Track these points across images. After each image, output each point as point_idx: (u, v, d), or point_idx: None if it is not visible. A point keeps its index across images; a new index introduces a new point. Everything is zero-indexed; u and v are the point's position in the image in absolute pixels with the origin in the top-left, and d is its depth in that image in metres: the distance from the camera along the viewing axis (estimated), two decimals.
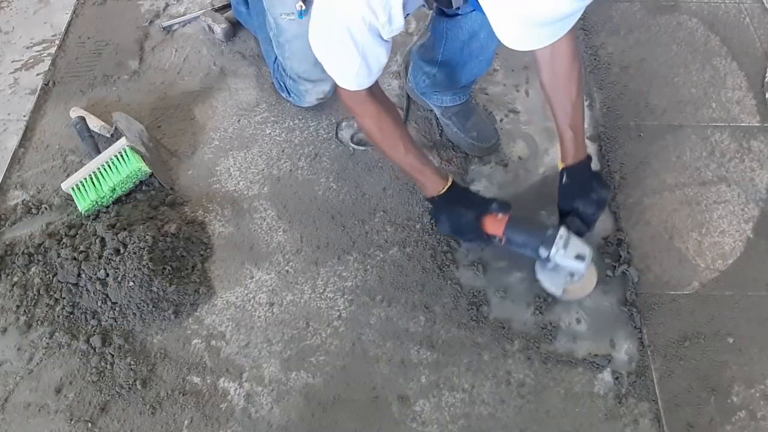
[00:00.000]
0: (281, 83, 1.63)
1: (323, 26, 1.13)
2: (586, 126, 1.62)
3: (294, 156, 1.59)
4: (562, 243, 1.23)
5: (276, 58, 1.58)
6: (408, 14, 1.11)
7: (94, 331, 1.31)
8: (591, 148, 1.59)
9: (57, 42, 1.82)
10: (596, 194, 1.29)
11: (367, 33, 1.08)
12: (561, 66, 1.24)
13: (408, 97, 1.66)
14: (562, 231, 1.25)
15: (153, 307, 1.33)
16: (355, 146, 1.58)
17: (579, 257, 1.23)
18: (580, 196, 1.29)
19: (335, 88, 1.26)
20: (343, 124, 1.62)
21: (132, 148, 1.47)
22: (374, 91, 1.24)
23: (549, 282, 1.32)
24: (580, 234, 1.27)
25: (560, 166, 1.33)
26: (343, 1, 1.06)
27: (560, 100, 1.27)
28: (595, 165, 1.56)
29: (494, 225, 1.28)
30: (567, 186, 1.31)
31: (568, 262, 1.24)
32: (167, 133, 1.63)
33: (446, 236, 1.41)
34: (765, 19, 1.87)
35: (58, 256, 1.38)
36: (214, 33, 1.81)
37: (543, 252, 1.25)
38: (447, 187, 1.30)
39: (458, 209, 1.29)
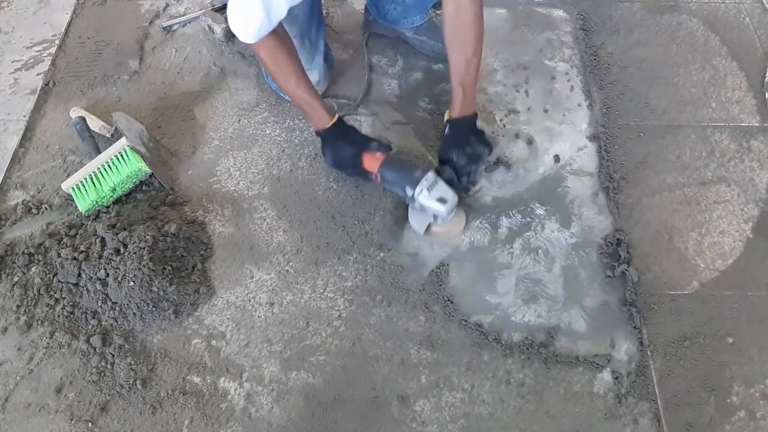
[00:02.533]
0: (272, 82, 1.65)
1: None
2: (585, 126, 1.64)
3: (294, 156, 1.59)
4: (426, 185, 1.33)
5: None
6: None
7: (95, 331, 1.32)
8: (591, 148, 1.60)
9: (57, 42, 1.82)
10: (471, 148, 1.39)
11: None
12: (463, 24, 1.31)
13: (366, 55, 1.74)
14: (430, 174, 1.35)
15: (153, 307, 1.33)
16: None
17: (441, 200, 1.33)
18: (456, 147, 1.39)
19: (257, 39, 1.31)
20: None
21: (132, 148, 1.47)
22: (277, 31, 1.30)
23: (414, 221, 1.42)
24: (450, 182, 1.37)
25: (446, 117, 1.43)
26: None
27: (457, 57, 1.35)
28: (594, 164, 1.57)
29: (371, 162, 1.39)
30: (447, 137, 1.42)
31: (430, 203, 1.34)
32: (167, 133, 1.64)
33: (330, 167, 1.49)
34: (765, 19, 1.88)
35: (59, 256, 1.38)
36: (214, 33, 1.81)
37: (408, 191, 1.35)
38: (333, 122, 1.39)
39: (340, 144, 1.40)
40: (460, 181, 1.41)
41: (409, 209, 1.43)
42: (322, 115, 1.39)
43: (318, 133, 1.44)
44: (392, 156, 1.41)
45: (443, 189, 1.35)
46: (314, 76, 1.59)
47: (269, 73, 1.42)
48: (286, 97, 1.66)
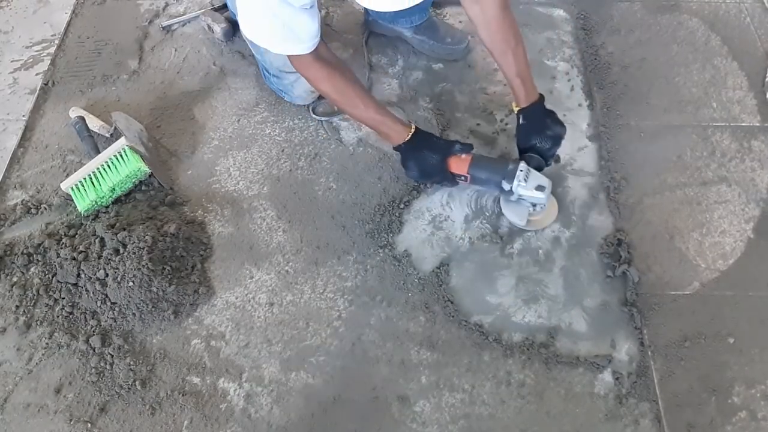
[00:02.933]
0: (271, 83, 1.65)
1: (249, 6, 1.25)
2: (585, 125, 1.63)
3: (294, 156, 1.58)
4: (522, 176, 1.35)
5: (260, 61, 1.61)
6: None
7: (94, 332, 1.31)
8: (591, 148, 1.59)
9: (56, 42, 1.82)
10: (551, 131, 1.39)
11: (283, 5, 1.20)
12: (493, 20, 1.33)
13: (366, 53, 1.74)
14: (522, 165, 1.36)
15: (152, 307, 1.33)
16: (319, 117, 1.63)
17: (539, 188, 1.35)
18: (536, 133, 1.39)
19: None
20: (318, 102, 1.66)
21: (131, 148, 1.47)
22: (321, 55, 1.34)
23: (513, 214, 1.42)
24: (539, 168, 1.39)
25: (515, 109, 1.42)
26: None
27: (501, 53, 1.36)
28: (595, 164, 1.56)
29: (459, 165, 1.39)
30: (524, 126, 1.41)
31: (529, 193, 1.35)
32: (167, 133, 1.63)
33: (415, 182, 1.49)
34: (766, 18, 1.87)
35: (58, 256, 1.37)
36: (213, 33, 1.80)
37: (506, 185, 1.36)
38: (411, 133, 1.37)
39: (424, 153, 1.37)
40: (547, 164, 1.42)
41: (503, 203, 1.44)
42: (398, 129, 1.36)
43: (397, 148, 1.40)
44: (478, 156, 1.41)
45: (538, 176, 1.37)
46: None
47: (333, 102, 1.43)
48: (285, 98, 1.66)
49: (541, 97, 1.41)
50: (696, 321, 1.34)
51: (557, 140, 1.41)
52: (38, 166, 1.57)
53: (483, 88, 1.70)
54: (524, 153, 1.42)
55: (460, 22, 1.83)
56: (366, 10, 1.76)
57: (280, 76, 1.57)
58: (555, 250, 1.43)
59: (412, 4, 1.08)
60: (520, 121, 1.41)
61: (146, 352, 1.30)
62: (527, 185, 1.35)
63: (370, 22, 1.77)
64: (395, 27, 1.74)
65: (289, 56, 1.33)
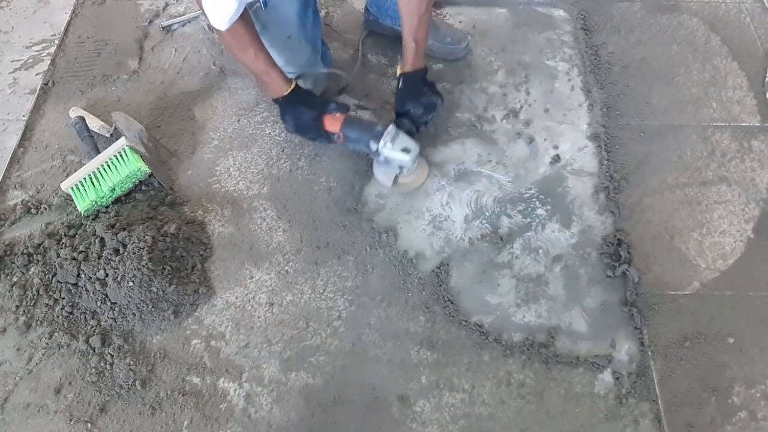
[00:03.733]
0: None
1: None
2: (585, 125, 1.63)
3: (294, 156, 1.58)
4: (389, 138, 1.39)
5: None
6: None
7: (94, 332, 1.31)
8: (591, 148, 1.59)
9: (56, 42, 1.82)
10: (426, 99, 1.45)
11: None
12: None
13: (361, 48, 1.76)
14: (391, 128, 1.40)
15: (152, 307, 1.33)
16: None
17: (405, 150, 1.39)
18: (411, 99, 1.45)
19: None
20: None
21: (131, 148, 1.47)
22: (244, 17, 1.33)
23: (381, 174, 1.48)
24: (410, 133, 1.43)
25: (399, 72, 1.47)
26: None
27: (409, 14, 1.39)
28: (595, 164, 1.56)
29: (332, 123, 1.42)
30: (401, 90, 1.46)
31: (395, 154, 1.39)
32: (167, 133, 1.63)
33: (291, 134, 1.53)
34: (766, 18, 1.87)
35: (58, 256, 1.37)
36: (213, 32, 1.80)
37: (372, 145, 1.40)
38: (291, 89, 1.41)
39: (300, 108, 1.42)
40: (418, 131, 1.47)
41: (374, 164, 1.50)
42: (280, 83, 1.41)
43: (276, 101, 1.46)
44: (351, 115, 1.45)
45: (405, 140, 1.40)
46: (308, 84, 1.57)
47: (226, 46, 1.46)
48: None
49: (425, 68, 1.47)
50: (696, 321, 1.34)
51: (430, 108, 1.46)
52: (38, 166, 1.57)
53: (484, 88, 1.70)
54: (399, 117, 1.47)
55: (460, 22, 1.84)
56: (366, 9, 1.76)
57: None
58: (555, 250, 1.43)
59: None
60: (400, 85, 1.46)
61: (146, 352, 1.30)
62: (393, 147, 1.39)
63: (370, 21, 1.77)
64: (395, 26, 1.72)
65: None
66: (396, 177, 1.46)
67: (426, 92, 1.46)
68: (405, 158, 1.40)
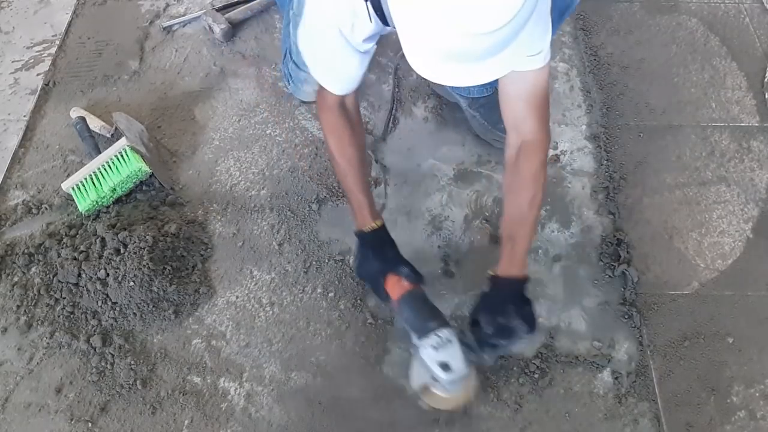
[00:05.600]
0: (287, 68, 1.62)
1: (310, 20, 1.16)
2: (584, 126, 1.64)
3: (294, 156, 1.59)
4: (434, 341, 1.10)
5: (291, 43, 1.55)
6: (377, 35, 1.10)
7: (95, 331, 1.31)
8: (591, 148, 1.59)
9: (57, 42, 1.82)
10: (505, 319, 1.11)
11: (338, 37, 1.09)
12: (522, 174, 1.16)
13: (392, 106, 1.64)
14: (445, 332, 1.11)
15: (153, 307, 1.33)
16: None
17: (444, 366, 1.09)
18: (488, 311, 1.13)
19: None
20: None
21: (132, 148, 1.47)
22: (347, 105, 1.25)
23: (412, 372, 1.20)
24: (469, 349, 1.13)
25: (490, 272, 1.17)
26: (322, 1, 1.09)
27: (510, 207, 1.19)
28: (594, 165, 1.56)
29: (394, 287, 1.19)
30: (483, 295, 1.17)
31: (430, 364, 1.11)
32: (167, 133, 1.64)
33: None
34: (765, 19, 1.88)
35: (59, 256, 1.38)
36: (213, 33, 1.81)
37: (413, 338, 1.15)
38: (372, 228, 1.23)
39: (370, 254, 1.23)
40: (482, 352, 1.15)
41: (413, 356, 1.21)
42: (365, 215, 1.24)
43: (356, 233, 1.28)
44: (418, 291, 1.19)
45: (454, 354, 1.10)
46: None
47: (329, 154, 1.30)
48: (287, 86, 1.63)
49: (523, 278, 1.15)
50: (695, 321, 1.34)
51: (506, 333, 1.11)
52: (39, 166, 1.57)
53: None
54: (471, 324, 1.17)
55: None
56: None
57: (301, 67, 1.53)
58: (554, 250, 1.43)
59: (471, 84, 0.90)
60: (486, 288, 1.17)
61: (147, 351, 1.30)
62: (434, 354, 1.10)
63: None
64: (453, 93, 1.59)
65: (320, 87, 1.23)
66: (426, 386, 1.17)
67: (510, 312, 1.11)
68: (440, 375, 1.10)
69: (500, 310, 1.12)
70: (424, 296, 1.20)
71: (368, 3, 0.99)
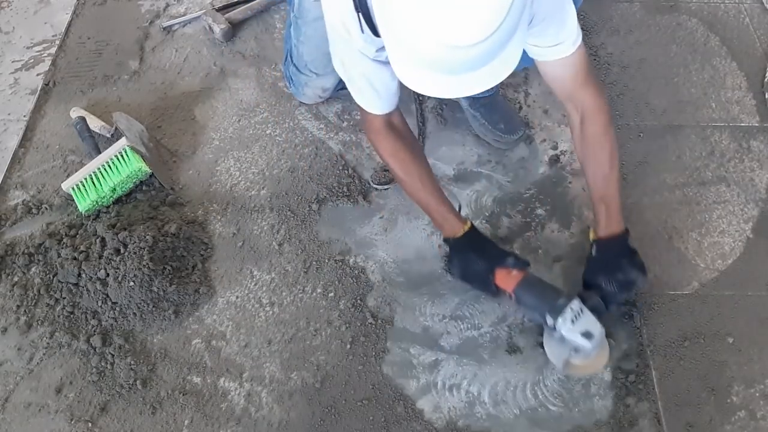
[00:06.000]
0: (288, 71, 1.62)
1: (335, 48, 1.16)
2: None
3: (294, 156, 1.59)
4: (571, 315, 1.17)
5: (291, 45, 1.56)
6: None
7: (95, 331, 1.31)
8: None
9: (57, 42, 1.82)
10: (623, 274, 1.21)
11: (361, 56, 1.10)
12: (591, 137, 1.21)
13: (420, 112, 1.63)
14: (575, 303, 1.18)
15: (153, 307, 1.33)
16: (377, 186, 1.52)
17: (586, 335, 1.16)
18: (605, 272, 1.22)
19: (353, 106, 1.28)
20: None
21: (132, 148, 1.47)
22: (394, 123, 1.25)
23: (551, 351, 1.26)
24: (597, 312, 1.20)
25: (591, 236, 1.26)
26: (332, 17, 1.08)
27: (592, 170, 1.24)
28: None
29: (506, 280, 1.22)
30: (594, 260, 1.24)
31: (574, 336, 1.17)
32: (167, 133, 1.64)
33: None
34: (765, 19, 1.88)
35: (59, 256, 1.38)
36: (213, 33, 1.81)
37: (549, 320, 1.19)
38: (465, 230, 1.26)
39: (471, 256, 1.25)
40: (608, 311, 1.23)
41: (545, 336, 1.26)
42: (452, 222, 1.26)
43: (446, 240, 1.30)
44: (531, 276, 1.23)
45: (590, 321, 1.17)
46: (326, 83, 1.55)
47: (394, 176, 1.32)
48: (288, 87, 1.63)
49: (625, 232, 1.24)
50: (695, 321, 1.34)
51: (628, 287, 1.22)
52: (39, 166, 1.57)
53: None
54: (587, 288, 1.24)
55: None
56: None
57: (302, 70, 1.54)
58: (554, 250, 1.43)
59: (457, 95, 0.92)
60: (593, 252, 1.25)
61: (147, 351, 1.30)
62: (574, 327, 1.16)
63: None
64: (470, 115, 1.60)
65: (361, 112, 1.24)
66: (568, 360, 1.23)
67: (624, 266, 1.21)
68: (586, 344, 1.16)
69: (617, 267, 1.21)
70: (538, 279, 1.25)
71: (359, 14, 0.98)
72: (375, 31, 0.99)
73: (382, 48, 1.07)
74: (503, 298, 1.28)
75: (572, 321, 1.17)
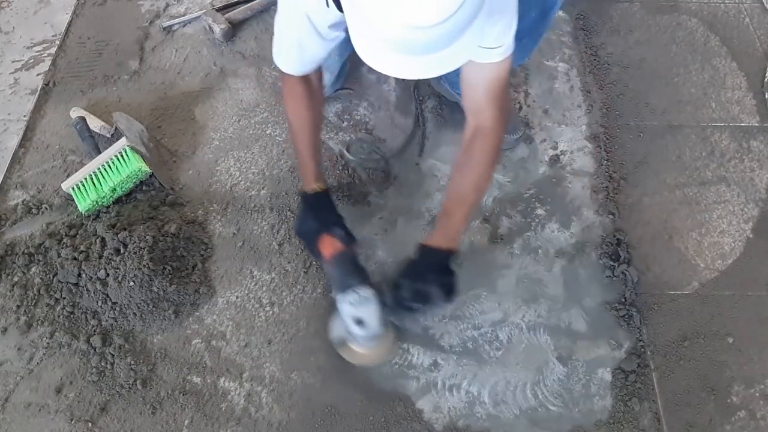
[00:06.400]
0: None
1: (283, 4, 1.19)
2: (584, 126, 1.64)
3: (294, 156, 1.59)
4: (352, 298, 1.17)
5: None
6: (342, 23, 1.10)
7: (95, 331, 1.32)
8: (591, 148, 1.59)
9: (57, 42, 1.82)
10: (424, 285, 1.17)
11: (306, 22, 1.11)
12: (476, 152, 1.19)
13: (418, 113, 1.64)
14: (364, 290, 1.18)
15: (153, 307, 1.33)
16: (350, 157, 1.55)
17: (359, 322, 1.17)
18: (409, 276, 1.19)
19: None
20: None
21: (132, 148, 1.47)
22: (308, 78, 1.27)
23: (332, 326, 1.29)
24: (387, 310, 1.20)
25: (421, 240, 1.23)
26: None
27: (456, 184, 1.23)
28: (594, 165, 1.56)
29: (326, 246, 1.24)
30: (409, 262, 1.22)
31: (347, 318, 1.19)
32: (167, 133, 1.64)
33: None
34: (765, 19, 1.88)
35: (59, 256, 1.38)
36: (213, 33, 1.81)
37: (334, 293, 1.23)
38: (314, 191, 1.28)
39: (310, 215, 1.29)
40: (396, 314, 1.25)
41: (336, 312, 1.27)
42: (310, 178, 1.29)
43: (299, 192, 1.36)
44: (348, 252, 1.24)
45: (369, 313, 1.17)
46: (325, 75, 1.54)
47: (285, 109, 1.36)
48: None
49: (450, 252, 1.20)
50: (695, 321, 1.34)
51: (422, 298, 1.17)
52: (39, 166, 1.57)
53: None
54: (393, 287, 1.21)
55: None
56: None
57: None
58: (554, 250, 1.43)
59: (418, 77, 0.91)
60: (413, 255, 1.22)
61: (147, 351, 1.30)
62: (350, 310, 1.17)
63: (437, 84, 1.65)
64: (452, 92, 1.60)
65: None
66: (343, 340, 1.26)
67: (430, 279, 1.17)
68: (354, 330, 1.19)
69: (421, 276, 1.18)
70: (354, 258, 1.25)
71: None
72: (339, 7, 1.00)
73: (335, 25, 1.09)
74: (322, 263, 1.29)
75: (351, 303, 1.17)
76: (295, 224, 1.38)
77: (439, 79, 1.60)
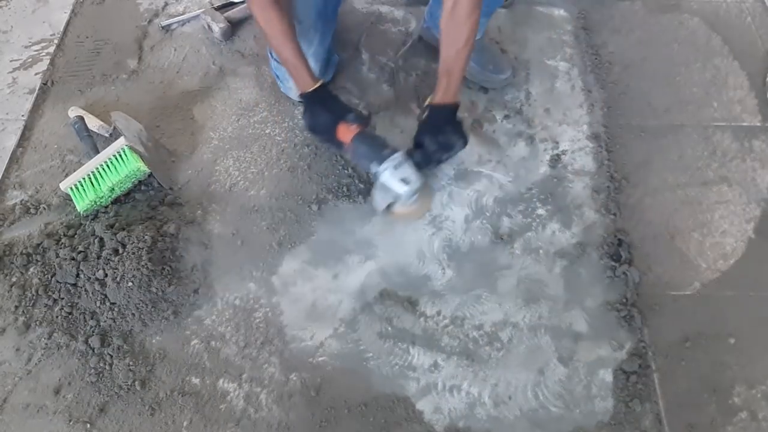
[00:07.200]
0: (272, 67, 1.64)
1: None
2: (586, 125, 1.63)
3: (294, 156, 1.58)
4: (393, 164, 1.32)
5: None
6: None
7: (93, 332, 1.31)
8: (592, 147, 1.59)
9: (55, 41, 1.81)
10: (444, 138, 1.37)
11: None
12: (459, 16, 1.29)
13: (395, 67, 1.70)
14: (399, 154, 1.33)
15: (152, 307, 1.32)
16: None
17: (404, 180, 1.33)
18: (429, 134, 1.37)
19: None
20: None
21: (131, 148, 1.47)
22: None
23: (376, 197, 1.42)
24: (418, 165, 1.36)
25: (427, 102, 1.40)
26: None
27: (447, 45, 1.34)
28: (596, 164, 1.56)
29: (345, 132, 1.36)
30: (423, 121, 1.40)
31: (392, 182, 1.33)
32: (166, 133, 1.63)
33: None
34: (766, 18, 1.87)
35: (57, 256, 1.37)
36: (212, 32, 1.80)
37: (374, 167, 1.34)
38: (315, 87, 1.37)
39: (318, 109, 1.38)
40: (428, 167, 1.41)
41: (375, 184, 1.42)
42: (305, 77, 1.36)
43: (301, 96, 1.42)
44: (367, 131, 1.38)
45: (408, 171, 1.34)
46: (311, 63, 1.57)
47: (261, 31, 1.40)
48: (279, 84, 1.66)
49: (456, 104, 1.38)
50: (697, 321, 1.34)
51: (447, 148, 1.37)
52: (37, 166, 1.57)
53: (484, 87, 1.70)
54: (415, 147, 1.40)
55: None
56: (424, 17, 1.72)
57: (282, 63, 1.52)
58: (555, 250, 1.43)
59: None
60: (424, 115, 1.39)
61: (146, 352, 1.30)
62: (393, 174, 1.32)
63: (424, 29, 1.73)
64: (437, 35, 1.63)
65: None
66: (390, 205, 1.40)
67: (447, 131, 1.37)
68: (401, 190, 1.33)
69: (440, 130, 1.38)
70: (373, 133, 1.40)
71: None
72: None
73: None
74: (342, 150, 1.41)
75: (393, 167, 1.32)
76: (306, 123, 1.43)
77: (429, 27, 1.70)
